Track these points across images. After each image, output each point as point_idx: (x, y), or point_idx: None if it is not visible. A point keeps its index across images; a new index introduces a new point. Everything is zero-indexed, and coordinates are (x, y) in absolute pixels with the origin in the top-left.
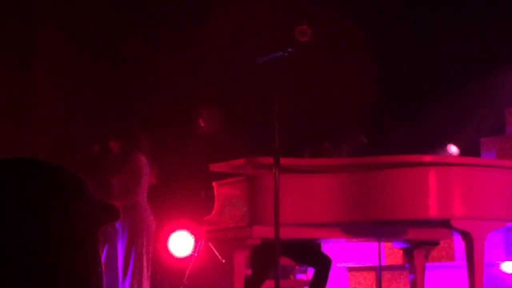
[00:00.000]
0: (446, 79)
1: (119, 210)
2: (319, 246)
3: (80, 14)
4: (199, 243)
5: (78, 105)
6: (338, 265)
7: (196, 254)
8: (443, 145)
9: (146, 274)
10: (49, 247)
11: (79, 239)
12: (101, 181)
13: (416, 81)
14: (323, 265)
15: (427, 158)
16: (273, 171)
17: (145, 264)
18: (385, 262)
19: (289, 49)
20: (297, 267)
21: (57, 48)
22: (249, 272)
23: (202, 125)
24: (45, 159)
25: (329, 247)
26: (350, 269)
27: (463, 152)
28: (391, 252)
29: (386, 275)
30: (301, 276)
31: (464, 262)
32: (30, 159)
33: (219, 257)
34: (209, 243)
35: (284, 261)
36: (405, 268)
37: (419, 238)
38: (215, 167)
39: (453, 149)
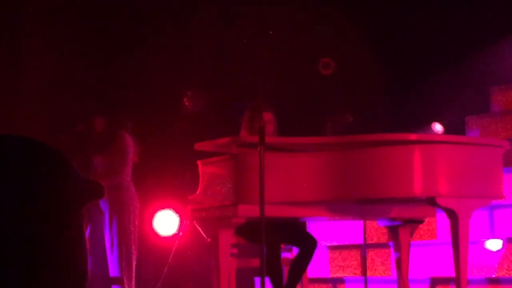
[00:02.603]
0: (431, 57)
1: (104, 187)
2: (304, 225)
3: None
4: (184, 222)
5: (63, 83)
6: (322, 243)
7: (181, 233)
8: (427, 124)
9: (133, 254)
10: (31, 223)
11: (63, 216)
12: (86, 160)
13: (401, 60)
14: (308, 245)
15: (412, 136)
16: (258, 150)
17: (132, 243)
18: (371, 240)
19: (271, 32)
20: (282, 246)
21: (43, 26)
22: (234, 251)
23: (187, 104)
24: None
25: (312, 226)
26: (331, 247)
27: (447, 131)
28: (374, 230)
29: (369, 253)
30: (286, 255)
31: (446, 240)
32: (10, 136)
33: (204, 236)
34: (194, 222)
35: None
36: (389, 246)
37: (404, 216)
38: (200, 146)
39: (437, 127)
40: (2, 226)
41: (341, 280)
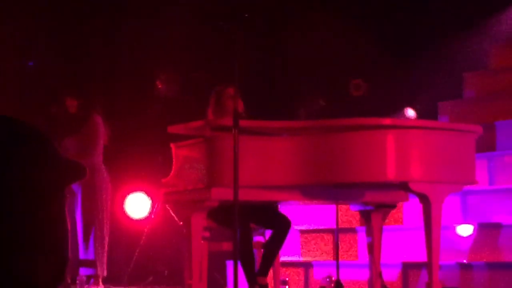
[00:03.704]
0: (404, 42)
1: (85, 168)
2: (276, 207)
3: None
4: (155, 205)
5: (35, 66)
6: (294, 228)
7: (153, 216)
8: (400, 109)
9: (106, 236)
10: (11, 202)
11: (45, 195)
12: (57, 142)
13: (374, 44)
14: (281, 227)
15: (386, 121)
16: (232, 133)
17: (104, 226)
18: (341, 225)
19: (246, 15)
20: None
21: (14, 5)
22: (206, 234)
23: (160, 87)
24: None
25: (284, 210)
26: (303, 231)
27: (420, 116)
28: (345, 214)
29: (340, 238)
30: (259, 238)
31: (413, 225)
32: None
33: (176, 219)
34: (167, 205)
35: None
36: (356, 231)
37: (377, 201)
38: (173, 129)
39: (410, 112)
40: None
41: (311, 264)
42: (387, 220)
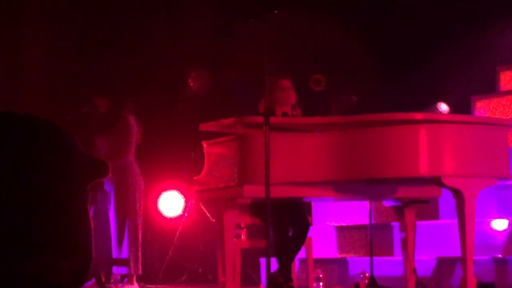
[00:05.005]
0: (437, 36)
1: (108, 166)
2: (302, 207)
3: None
4: (189, 203)
5: (66, 66)
6: (328, 224)
7: (186, 214)
8: (433, 103)
9: (139, 235)
10: (33, 198)
11: (67, 193)
12: (90, 142)
13: (407, 38)
14: (303, 228)
15: (418, 115)
16: (263, 130)
17: (137, 225)
18: (375, 221)
19: (275, 11)
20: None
21: (43, 7)
22: (239, 231)
23: (192, 85)
24: None
25: (317, 206)
26: (339, 228)
27: (453, 111)
28: (380, 210)
29: (375, 234)
30: None
31: (448, 221)
32: (13, 112)
33: (209, 217)
34: (199, 203)
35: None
36: (395, 227)
37: (410, 196)
38: (205, 127)
39: (443, 107)
40: (5, 200)
41: (346, 261)
42: (422, 215)
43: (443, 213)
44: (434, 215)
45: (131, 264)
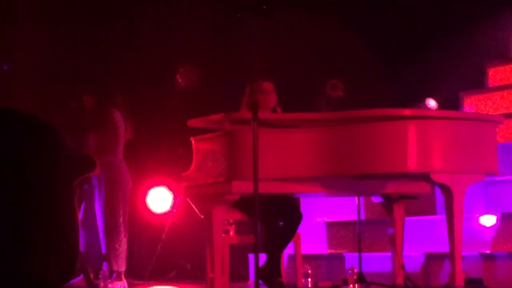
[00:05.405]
0: (425, 32)
1: (95, 161)
2: (293, 200)
3: None
4: (177, 199)
5: (54, 61)
6: (318, 220)
7: (174, 210)
8: (422, 99)
9: (123, 231)
10: (20, 194)
11: (54, 189)
12: (77, 138)
13: (395, 35)
14: (294, 221)
15: (406, 111)
16: (252, 126)
17: (121, 221)
18: (364, 217)
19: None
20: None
21: (31, 3)
22: (228, 227)
23: (180, 80)
24: None
25: (306, 202)
26: (329, 224)
27: (442, 106)
28: (370, 206)
29: (365, 230)
30: None
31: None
32: (1, 108)
33: (198, 212)
34: (188, 199)
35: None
36: (384, 223)
37: (399, 192)
38: (193, 123)
39: (431, 103)
40: None
41: (335, 256)
42: (419, 211)
43: (441, 209)
44: (431, 211)
45: (112, 261)
